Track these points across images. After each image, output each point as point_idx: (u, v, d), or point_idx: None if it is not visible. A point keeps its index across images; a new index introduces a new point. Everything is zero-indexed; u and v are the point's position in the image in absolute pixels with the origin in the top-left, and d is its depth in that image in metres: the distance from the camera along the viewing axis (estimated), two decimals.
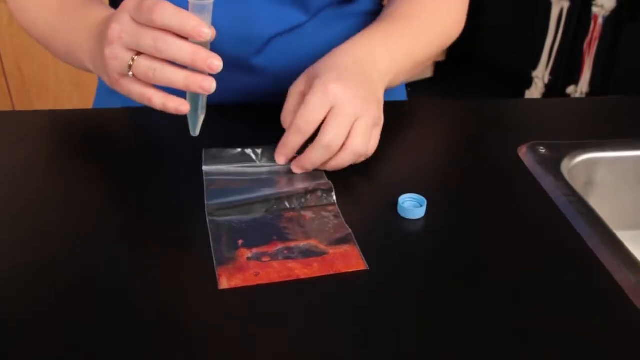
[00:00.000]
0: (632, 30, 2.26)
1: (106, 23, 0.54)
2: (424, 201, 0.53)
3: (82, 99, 1.99)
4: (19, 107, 1.95)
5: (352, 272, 0.47)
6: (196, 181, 0.57)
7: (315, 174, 0.58)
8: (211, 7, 0.51)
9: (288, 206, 0.54)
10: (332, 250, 0.49)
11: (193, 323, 0.41)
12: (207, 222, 0.51)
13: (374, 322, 0.42)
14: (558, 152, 0.62)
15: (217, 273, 0.46)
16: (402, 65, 0.65)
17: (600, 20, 2.23)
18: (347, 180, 0.57)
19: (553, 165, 0.60)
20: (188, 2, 0.51)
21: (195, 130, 0.56)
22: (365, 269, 0.47)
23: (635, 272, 0.47)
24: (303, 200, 0.54)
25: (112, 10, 0.61)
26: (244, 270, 0.46)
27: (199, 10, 0.50)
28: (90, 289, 0.44)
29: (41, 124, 0.69)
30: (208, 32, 0.49)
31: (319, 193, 0.55)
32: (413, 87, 2.83)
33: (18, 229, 0.51)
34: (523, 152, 0.63)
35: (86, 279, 0.45)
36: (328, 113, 0.55)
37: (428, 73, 2.97)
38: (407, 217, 0.53)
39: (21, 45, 1.86)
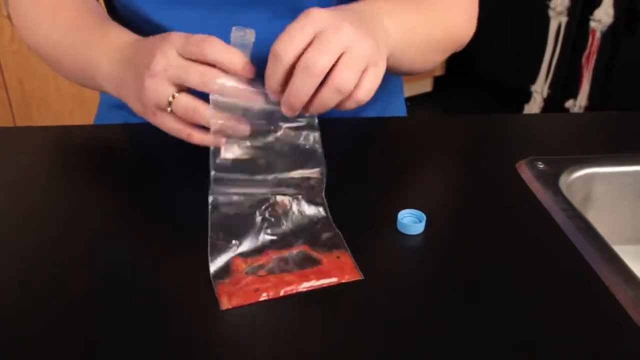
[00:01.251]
0: (629, 44, 2.28)
1: (139, 49, 0.54)
2: (423, 217, 0.53)
3: (83, 113, 2.00)
4: (19, 122, 1.95)
5: (353, 287, 0.47)
6: (198, 196, 0.57)
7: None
8: (251, 44, 0.52)
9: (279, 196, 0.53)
10: (325, 259, 0.49)
11: (194, 339, 0.42)
12: (209, 209, 0.51)
13: (372, 338, 0.42)
14: (556, 167, 0.63)
15: (216, 291, 0.45)
16: (409, 33, 0.61)
17: (598, 35, 2.24)
18: (346, 195, 0.58)
19: (551, 180, 0.61)
20: (230, 39, 0.52)
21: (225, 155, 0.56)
22: (361, 278, 0.47)
23: (634, 287, 0.47)
24: (294, 188, 0.54)
25: (132, 34, 0.60)
26: (243, 287, 0.46)
27: (242, 47, 0.52)
28: (91, 304, 0.44)
29: (42, 139, 0.69)
30: (253, 71, 0.50)
31: (312, 182, 0.54)
32: (412, 101, 2.86)
33: (19, 244, 0.51)
34: (521, 167, 0.64)
35: (87, 293, 0.45)
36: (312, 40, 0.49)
37: (427, 87, 2.99)
38: (406, 232, 0.53)
39: (23, 60, 1.87)
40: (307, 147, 0.54)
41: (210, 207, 0.52)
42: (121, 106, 0.77)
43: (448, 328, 0.43)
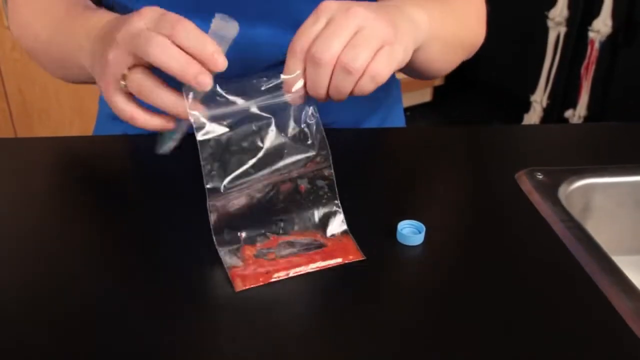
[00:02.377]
0: (628, 54, 2.29)
1: (115, 25, 0.52)
2: (423, 227, 0.53)
3: (83, 124, 2.00)
4: (20, 132, 1.96)
5: (353, 297, 0.47)
6: (198, 208, 0.57)
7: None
8: (231, 40, 0.50)
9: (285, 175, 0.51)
10: (330, 242, 0.52)
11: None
12: (208, 209, 0.49)
13: (373, 346, 0.42)
14: (555, 178, 0.63)
15: (229, 276, 0.48)
16: (437, 27, 0.59)
17: (596, 45, 2.25)
18: (346, 206, 0.58)
19: (551, 191, 0.61)
20: (210, 27, 0.49)
21: (162, 149, 0.54)
22: (363, 258, 0.51)
23: (633, 298, 0.47)
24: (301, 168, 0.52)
25: (114, 14, 0.59)
26: (254, 270, 0.49)
27: (218, 39, 0.49)
28: (90, 317, 0.45)
29: (42, 151, 0.69)
30: (224, 63, 0.48)
31: (318, 159, 0.52)
32: (412, 111, 2.87)
33: (18, 256, 0.51)
34: (521, 177, 0.64)
35: (86, 306, 0.45)
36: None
37: (427, 97, 2.99)
38: (406, 243, 0.53)
39: (23, 70, 1.87)
40: (303, 130, 0.52)
41: (209, 209, 0.50)
42: (119, 118, 0.77)
43: (447, 339, 0.43)
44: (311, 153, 0.52)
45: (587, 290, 0.49)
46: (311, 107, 0.52)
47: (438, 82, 2.96)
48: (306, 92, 0.51)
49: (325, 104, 0.53)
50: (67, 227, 0.55)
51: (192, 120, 0.48)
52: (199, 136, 0.48)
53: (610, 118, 2.38)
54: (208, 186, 0.49)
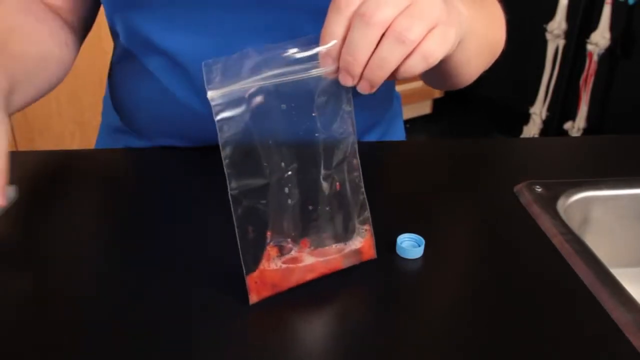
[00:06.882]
0: (626, 66, 2.30)
1: None
2: (422, 241, 0.54)
3: (84, 137, 2.01)
4: (21, 146, 1.96)
5: (352, 308, 0.47)
6: (199, 221, 0.57)
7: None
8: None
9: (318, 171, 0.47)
10: (348, 248, 0.50)
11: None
12: (232, 208, 0.44)
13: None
14: (554, 191, 0.63)
15: (247, 285, 0.46)
16: (475, 20, 0.54)
17: (595, 58, 2.26)
18: None
19: (549, 204, 0.61)
20: None
21: None
22: (374, 257, 0.51)
23: (632, 310, 0.47)
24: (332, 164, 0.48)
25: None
26: (271, 280, 0.47)
27: None
28: (93, 331, 0.45)
29: (43, 164, 0.69)
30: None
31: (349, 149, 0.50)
32: (412, 123, 2.87)
33: (21, 270, 0.51)
34: (520, 190, 0.64)
35: (88, 320, 0.46)
36: None
37: (427, 109, 3.00)
38: (405, 256, 0.53)
39: None
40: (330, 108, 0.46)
41: (231, 201, 0.44)
42: (122, 131, 0.77)
43: (446, 352, 0.43)
44: (345, 137, 0.49)
45: (586, 302, 0.49)
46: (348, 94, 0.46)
47: (438, 94, 2.98)
48: (338, 68, 0.44)
49: None
50: (68, 240, 0.55)
51: (210, 98, 0.42)
52: (218, 117, 0.43)
53: (609, 130, 2.39)
54: (229, 171, 0.43)
